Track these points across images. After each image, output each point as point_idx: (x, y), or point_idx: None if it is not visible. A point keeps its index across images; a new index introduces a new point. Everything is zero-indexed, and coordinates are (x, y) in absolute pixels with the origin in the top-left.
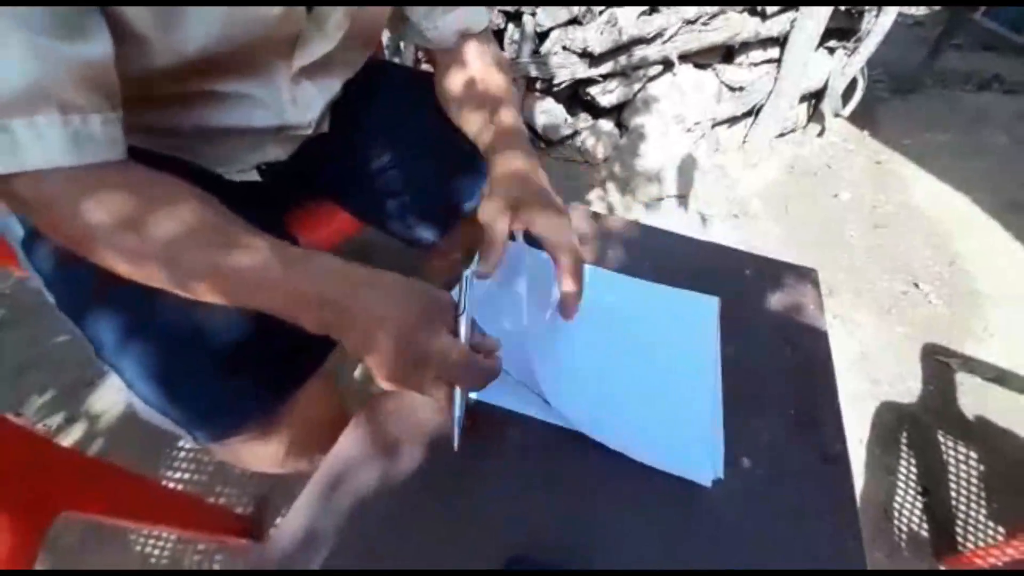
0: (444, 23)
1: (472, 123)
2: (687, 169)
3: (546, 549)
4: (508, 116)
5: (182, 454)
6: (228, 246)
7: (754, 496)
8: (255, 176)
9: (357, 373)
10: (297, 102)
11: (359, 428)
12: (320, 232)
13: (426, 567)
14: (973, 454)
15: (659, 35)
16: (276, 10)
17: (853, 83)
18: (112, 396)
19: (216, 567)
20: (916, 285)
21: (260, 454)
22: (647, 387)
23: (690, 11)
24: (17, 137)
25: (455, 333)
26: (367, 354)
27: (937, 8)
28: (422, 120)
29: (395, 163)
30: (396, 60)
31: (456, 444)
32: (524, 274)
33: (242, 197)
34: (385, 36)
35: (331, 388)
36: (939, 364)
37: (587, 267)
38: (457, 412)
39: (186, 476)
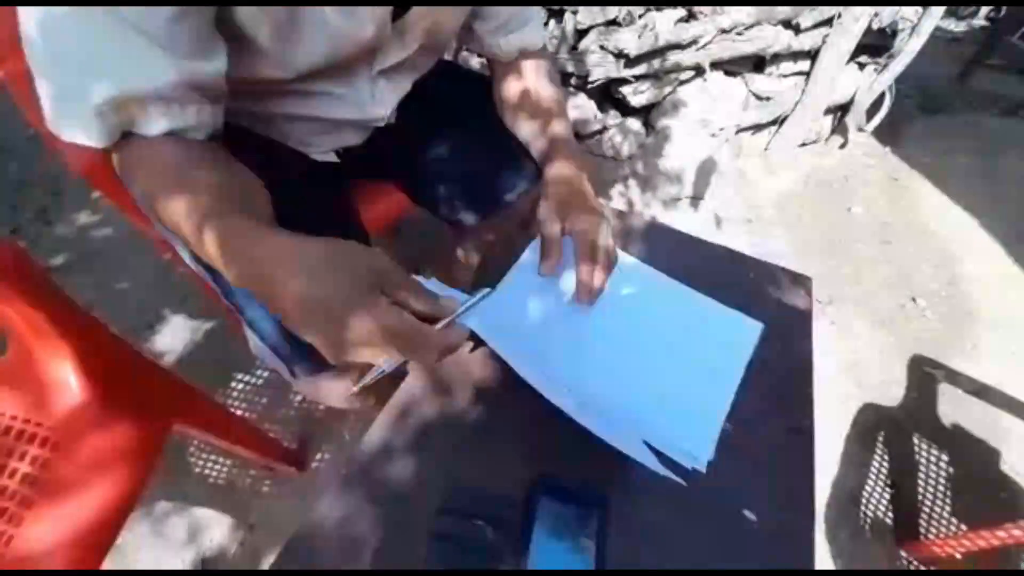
0: (507, 41)
1: (526, 130)
2: (707, 172)
3: (568, 472)
4: (560, 127)
5: (234, 394)
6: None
7: (733, 451)
8: (334, 157)
9: None
10: (375, 98)
11: (418, 372)
12: (380, 208)
13: (471, 480)
14: (944, 457)
15: (694, 42)
16: (371, 29)
17: (881, 98)
18: (170, 340)
19: (265, 490)
20: (914, 300)
21: (334, 390)
22: (665, 389)
23: (726, 21)
24: (133, 116)
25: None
26: (303, 334)
27: (977, 26)
28: (476, 119)
29: (449, 156)
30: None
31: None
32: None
33: (322, 175)
34: None
35: None
36: (924, 374)
37: (648, 270)
38: (369, 377)
39: (238, 415)
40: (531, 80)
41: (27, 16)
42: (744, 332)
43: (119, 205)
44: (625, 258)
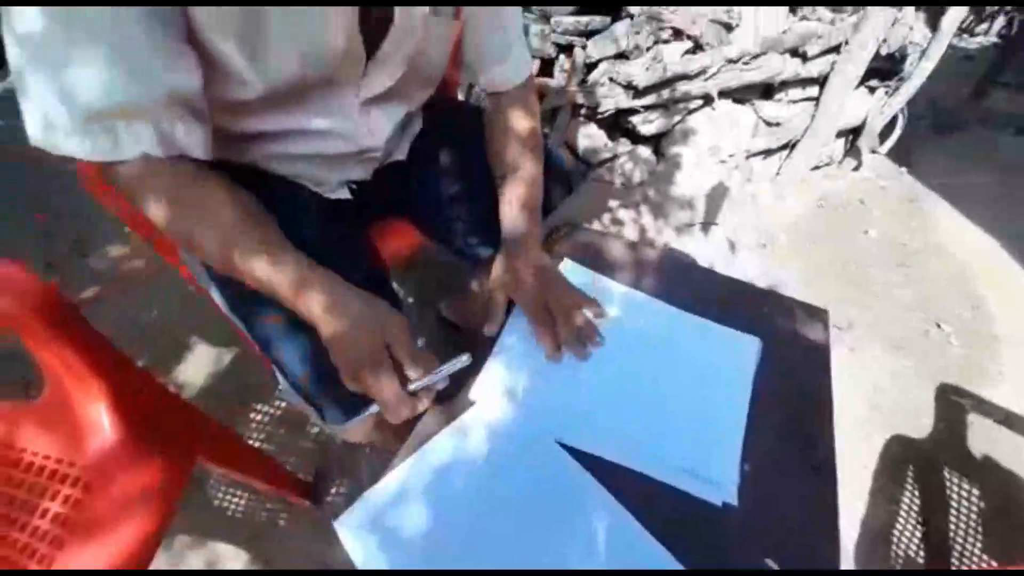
0: (495, 72)
1: (499, 186)
2: (719, 198)
3: None
4: (519, 192)
5: (252, 425)
6: (259, 252)
7: (753, 492)
8: (346, 194)
9: None
10: (370, 129)
11: (436, 411)
12: (394, 244)
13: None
14: (976, 491)
15: (702, 72)
16: (340, 46)
17: (893, 120)
18: (192, 370)
19: (281, 524)
20: (938, 325)
21: (358, 429)
22: (678, 413)
23: (733, 51)
24: (119, 136)
25: (404, 360)
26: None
27: (988, 44)
28: (485, 158)
29: (463, 192)
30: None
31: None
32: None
33: (337, 212)
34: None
35: None
36: (951, 403)
37: (642, 296)
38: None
39: (257, 448)
40: (508, 129)
41: (9, 31)
42: (743, 349)
43: (140, 233)
44: (615, 287)
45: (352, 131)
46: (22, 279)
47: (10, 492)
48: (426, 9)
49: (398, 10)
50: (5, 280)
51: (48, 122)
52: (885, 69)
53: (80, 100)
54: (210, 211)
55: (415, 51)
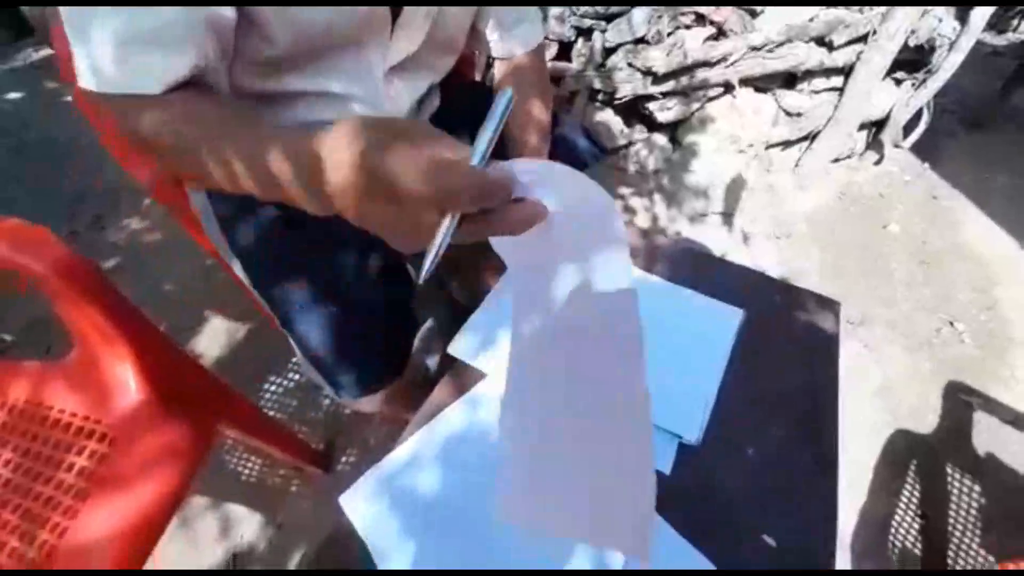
0: (509, 37)
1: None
2: (736, 188)
3: None
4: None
5: (266, 394)
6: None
7: (756, 477)
8: None
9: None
10: (392, 97)
11: (447, 383)
12: None
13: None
14: (977, 488)
15: (723, 59)
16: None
17: (919, 114)
18: (209, 341)
19: (293, 489)
20: (951, 324)
21: (370, 402)
22: (661, 373)
23: (757, 39)
24: (153, 66)
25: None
26: (365, 226)
27: (1017, 41)
28: (501, 136)
29: None
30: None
31: (422, 277)
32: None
33: None
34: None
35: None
36: (960, 401)
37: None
38: (438, 240)
39: (271, 416)
40: (525, 79)
41: None
42: (726, 318)
43: (167, 205)
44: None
45: (374, 97)
46: (52, 243)
47: (36, 448)
48: None
49: None
50: (36, 244)
51: (91, 60)
52: (913, 61)
53: (117, 24)
54: (214, 123)
55: (437, 16)
